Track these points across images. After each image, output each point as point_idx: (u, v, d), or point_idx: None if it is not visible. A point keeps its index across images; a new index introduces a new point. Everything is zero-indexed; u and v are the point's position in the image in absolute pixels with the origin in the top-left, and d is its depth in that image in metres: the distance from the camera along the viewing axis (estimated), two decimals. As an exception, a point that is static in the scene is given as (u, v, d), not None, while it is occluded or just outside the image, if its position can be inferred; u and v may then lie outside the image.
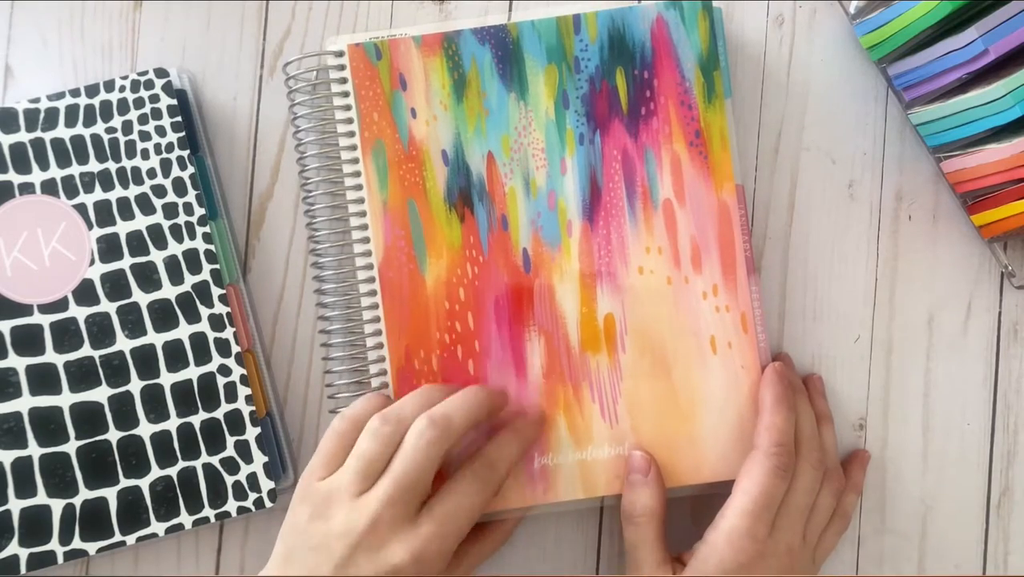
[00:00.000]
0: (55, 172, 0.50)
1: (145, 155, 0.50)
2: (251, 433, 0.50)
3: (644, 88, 0.49)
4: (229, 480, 0.49)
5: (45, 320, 0.49)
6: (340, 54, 0.49)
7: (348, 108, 0.49)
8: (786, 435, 0.47)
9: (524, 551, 0.52)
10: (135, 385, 0.49)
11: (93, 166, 0.50)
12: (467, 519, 0.44)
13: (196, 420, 0.49)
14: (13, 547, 0.48)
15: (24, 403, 0.49)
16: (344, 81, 0.49)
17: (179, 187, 0.50)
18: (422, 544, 0.43)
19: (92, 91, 0.50)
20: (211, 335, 0.50)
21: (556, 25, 0.49)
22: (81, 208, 0.50)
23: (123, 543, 0.49)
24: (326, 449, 0.46)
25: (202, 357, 0.50)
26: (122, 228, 0.50)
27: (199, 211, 0.50)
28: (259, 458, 0.49)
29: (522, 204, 0.49)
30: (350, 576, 0.42)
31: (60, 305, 0.49)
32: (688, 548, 0.48)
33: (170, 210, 0.50)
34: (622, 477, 0.49)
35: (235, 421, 0.50)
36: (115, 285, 0.49)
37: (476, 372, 0.49)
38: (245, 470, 0.49)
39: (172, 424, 0.49)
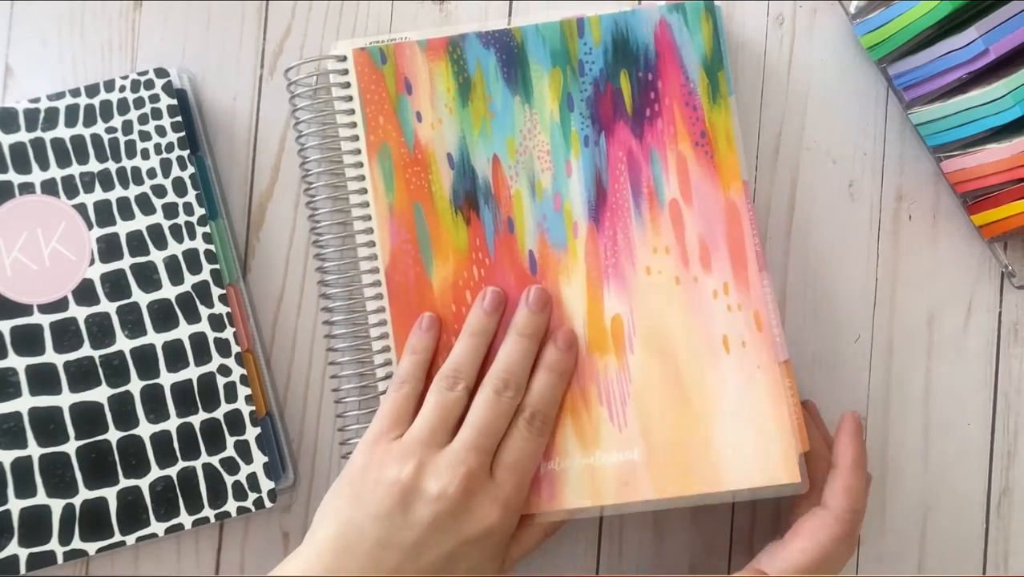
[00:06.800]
0: (55, 172, 0.49)
1: (145, 155, 0.50)
2: (251, 433, 0.49)
3: (648, 90, 0.49)
4: (229, 480, 0.49)
5: (45, 320, 0.49)
6: (342, 59, 0.49)
7: (351, 112, 0.49)
8: (862, 501, 0.46)
9: (524, 551, 0.52)
10: (135, 385, 0.49)
11: (93, 166, 0.50)
12: (532, 467, 0.46)
13: (196, 420, 0.49)
14: (13, 547, 0.48)
15: (24, 403, 0.49)
16: (346, 85, 0.49)
17: (179, 187, 0.50)
18: (507, 493, 0.44)
19: (92, 91, 0.50)
20: (211, 335, 0.50)
21: (560, 29, 0.49)
22: (81, 208, 0.50)
23: (123, 543, 0.49)
24: (395, 409, 0.46)
25: (202, 357, 0.50)
26: (122, 228, 0.50)
27: (199, 211, 0.50)
28: (259, 458, 0.49)
29: (528, 206, 0.49)
30: (444, 547, 0.43)
31: (60, 305, 0.49)
32: (687, 553, 0.47)
33: (170, 210, 0.50)
34: (631, 484, 0.47)
35: (235, 421, 0.49)
36: (115, 285, 0.49)
37: (483, 375, 0.49)
38: (245, 470, 0.49)
39: (172, 424, 0.49)
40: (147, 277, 0.50)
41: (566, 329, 0.48)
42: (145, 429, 0.49)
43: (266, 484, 0.49)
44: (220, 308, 0.50)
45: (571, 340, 0.48)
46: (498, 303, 0.48)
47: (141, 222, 0.50)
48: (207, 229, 0.50)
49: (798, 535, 0.45)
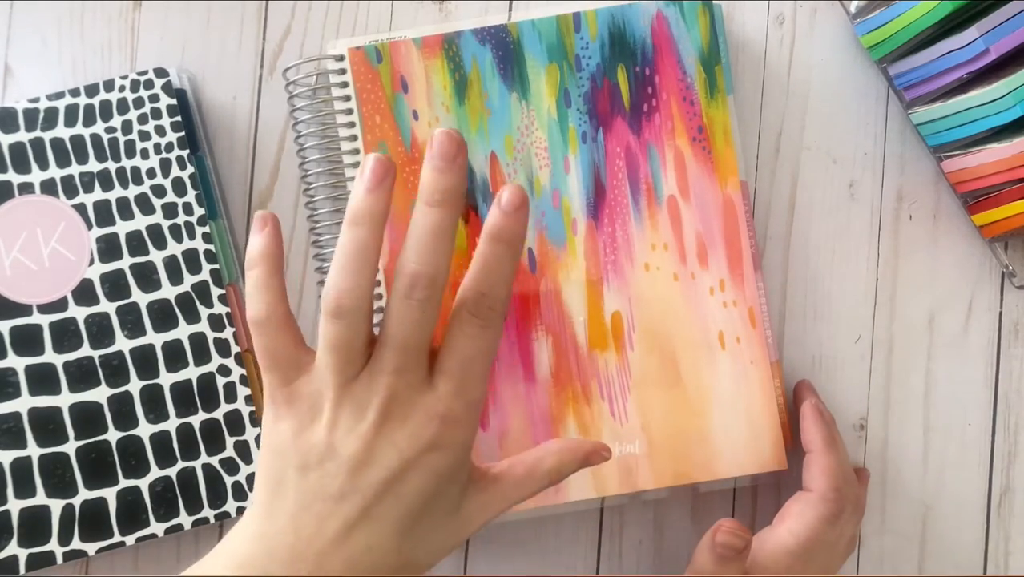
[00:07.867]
0: (54, 172, 0.49)
1: (145, 155, 0.50)
2: (251, 433, 0.49)
3: (646, 85, 0.49)
4: (228, 481, 0.49)
5: (44, 320, 0.49)
6: (340, 58, 0.49)
7: (350, 112, 0.49)
8: (841, 477, 0.46)
9: (524, 551, 0.52)
10: (134, 385, 0.49)
11: (92, 166, 0.50)
12: (484, 363, 0.38)
13: (195, 420, 0.49)
14: (12, 547, 0.48)
15: (23, 403, 0.49)
16: (345, 85, 0.49)
17: (179, 187, 0.50)
18: (447, 404, 0.37)
19: (92, 91, 0.50)
20: (210, 335, 0.50)
21: (556, 24, 0.49)
22: (81, 208, 0.50)
23: (123, 543, 0.49)
24: (267, 355, 0.38)
25: (201, 357, 0.50)
26: (122, 228, 0.50)
27: (199, 211, 0.50)
28: (259, 458, 0.49)
29: None
30: (374, 481, 0.36)
31: (59, 305, 0.49)
32: (687, 553, 0.47)
33: (170, 210, 0.50)
34: (632, 475, 0.48)
35: (235, 421, 0.49)
36: (115, 285, 0.49)
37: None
38: (245, 471, 0.49)
39: (171, 424, 0.49)
40: (147, 277, 0.50)
41: (513, 186, 0.38)
42: (145, 429, 0.49)
43: (266, 484, 0.49)
44: (220, 308, 0.50)
45: (519, 200, 0.38)
46: (383, 173, 0.37)
47: (140, 222, 0.50)
48: (207, 229, 0.50)
49: (786, 518, 0.46)
